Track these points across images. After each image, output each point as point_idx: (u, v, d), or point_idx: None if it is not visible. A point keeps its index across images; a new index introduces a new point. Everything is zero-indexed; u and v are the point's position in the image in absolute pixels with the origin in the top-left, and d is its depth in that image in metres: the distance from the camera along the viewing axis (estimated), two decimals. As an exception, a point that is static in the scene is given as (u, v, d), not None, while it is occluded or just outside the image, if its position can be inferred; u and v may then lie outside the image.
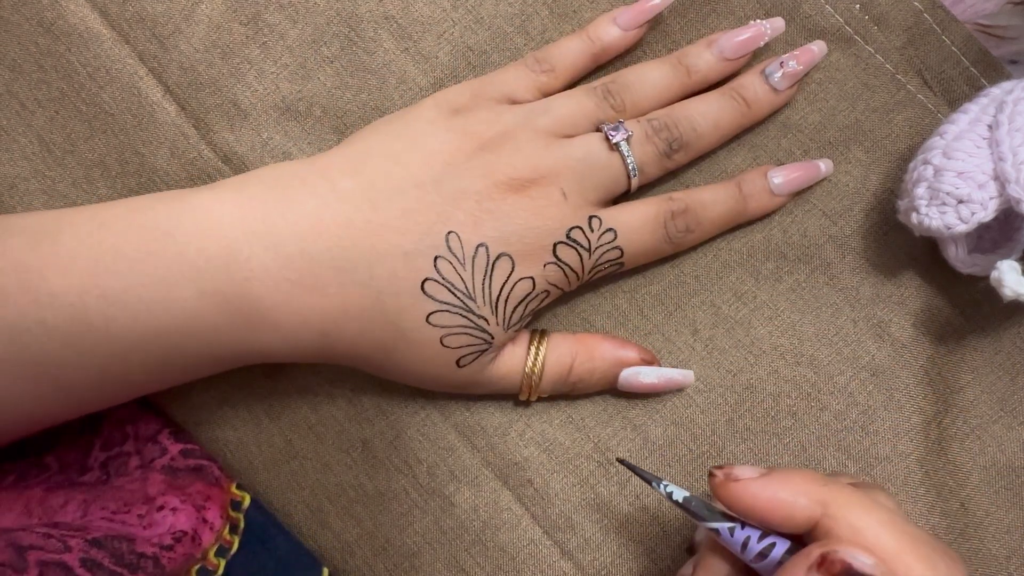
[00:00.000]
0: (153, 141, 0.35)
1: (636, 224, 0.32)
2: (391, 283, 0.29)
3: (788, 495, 0.26)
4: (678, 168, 0.35)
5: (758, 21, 0.35)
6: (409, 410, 0.35)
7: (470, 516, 0.35)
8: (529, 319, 0.33)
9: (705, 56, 0.34)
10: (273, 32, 0.35)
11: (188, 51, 0.35)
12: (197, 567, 0.31)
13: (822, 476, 0.27)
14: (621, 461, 0.30)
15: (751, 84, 0.34)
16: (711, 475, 0.27)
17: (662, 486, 0.28)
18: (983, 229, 0.32)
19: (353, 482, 0.35)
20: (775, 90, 0.34)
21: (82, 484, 0.33)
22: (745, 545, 0.27)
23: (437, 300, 0.30)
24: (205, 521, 0.32)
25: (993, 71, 0.35)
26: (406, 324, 0.30)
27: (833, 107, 0.36)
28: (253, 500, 0.34)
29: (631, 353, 0.34)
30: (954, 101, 0.35)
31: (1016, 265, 0.30)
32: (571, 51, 0.34)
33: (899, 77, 0.36)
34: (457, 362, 0.31)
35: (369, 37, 0.35)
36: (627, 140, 0.32)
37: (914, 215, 0.32)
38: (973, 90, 0.35)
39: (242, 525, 0.34)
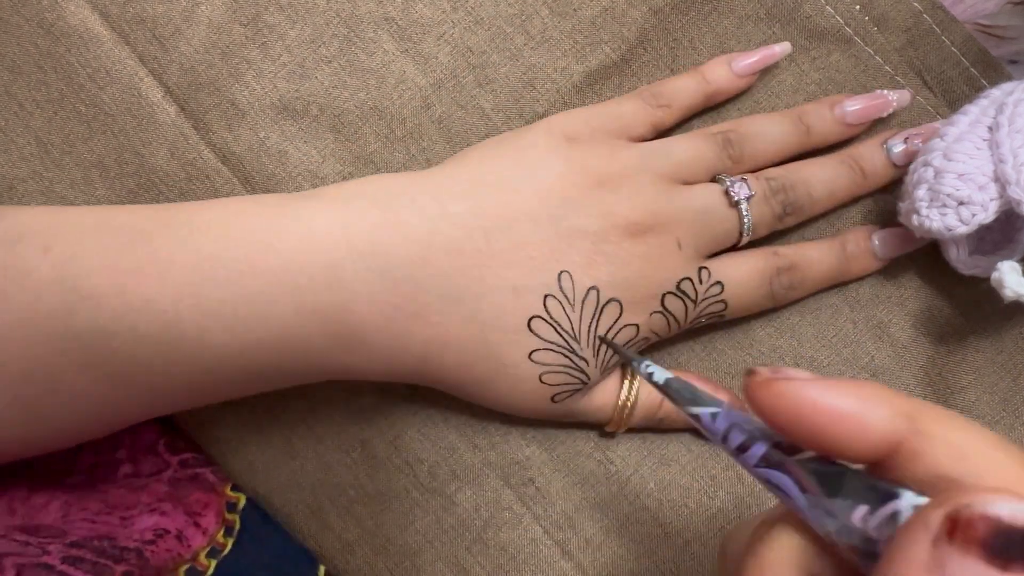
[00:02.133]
0: (153, 142, 0.35)
1: (743, 279, 0.32)
2: (497, 318, 0.29)
3: (856, 403, 0.18)
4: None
5: (885, 92, 0.34)
6: (409, 410, 0.35)
7: (471, 515, 0.35)
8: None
9: (827, 117, 0.34)
10: (272, 32, 0.35)
11: (188, 52, 0.35)
12: (186, 567, 0.30)
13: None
14: (602, 339, 0.29)
15: (870, 155, 0.34)
16: (750, 372, 0.20)
17: (643, 365, 0.25)
18: (984, 231, 0.32)
19: (353, 482, 0.35)
20: (894, 164, 0.34)
21: (66, 485, 0.33)
22: (726, 437, 0.22)
23: (542, 338, 0.29)
24: (198, 526, 0.32)
25: (993, 71, 0.35)
26: (507, 359, 0.29)
27: (833, 107, 0.36)
28: (249, 499, 0.34)
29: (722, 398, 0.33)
30: (954, 102, 0.36)
31: (1017, 266, 0.30)
32: (686, 90, 0.33)
33: (898, 79, 0.36)
34: (552, 398, 0.31)
35: (368, 38, 0.35)
36: (748, 199, 0.31)
37: (915, 217, 0.32)
38: (973, 91, 0.35)
39: (237, 526, 0.33)
